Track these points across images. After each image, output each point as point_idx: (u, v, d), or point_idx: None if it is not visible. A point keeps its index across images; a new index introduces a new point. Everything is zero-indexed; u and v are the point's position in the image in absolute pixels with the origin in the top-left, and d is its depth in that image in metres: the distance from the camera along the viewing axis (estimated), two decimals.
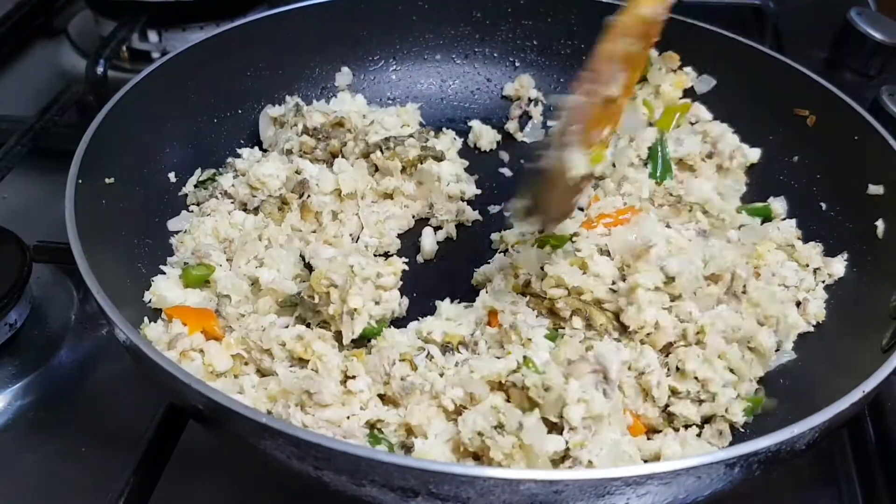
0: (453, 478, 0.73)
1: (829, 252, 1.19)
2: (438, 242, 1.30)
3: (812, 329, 1.12)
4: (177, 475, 0.99)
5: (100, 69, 1.52)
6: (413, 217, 1.33)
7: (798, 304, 1.14)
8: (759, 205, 1.29)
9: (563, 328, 1.08)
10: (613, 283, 1.09)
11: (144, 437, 0.98)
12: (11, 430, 1.09)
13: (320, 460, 0.76)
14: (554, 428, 0.92)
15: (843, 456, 1.09)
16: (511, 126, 1.50)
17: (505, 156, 1.47)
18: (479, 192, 1.37)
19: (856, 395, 0.84)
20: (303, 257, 1.10)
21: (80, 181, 1.03)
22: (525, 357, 0.97)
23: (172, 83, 1.26)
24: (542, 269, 1.12)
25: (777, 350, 1.09)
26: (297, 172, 1.25)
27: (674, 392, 1.01)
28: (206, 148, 1.31)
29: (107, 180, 1.10)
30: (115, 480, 0.94)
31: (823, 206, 1.24)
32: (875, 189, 1.16)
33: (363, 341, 1.05)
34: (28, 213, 1.39)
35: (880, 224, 1.13)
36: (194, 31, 1.69)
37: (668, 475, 0.74)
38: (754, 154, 1.34)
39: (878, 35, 1.63)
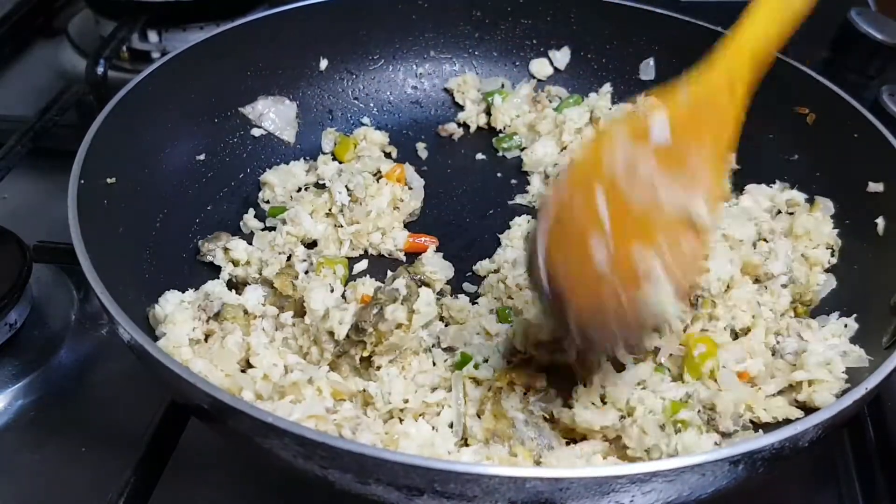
0: (458, 476, 0.73)
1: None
2: None
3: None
4: (177, 475, 0.99)
5: (100, 69, 1.51)
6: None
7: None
8: None
9: None
10: None
11: (144, 437, 0.97)
12: (12, 430, 1.09)
13: (326, 459, 0.76)
14: None
15: (843, 456, 1.09)
16: None
17: None
18: None
19: (858, 392, 0.84)
20: None
21: (83, 181, 1.02)
22: None
23: (173, 83, 1.25)
24: None
25: None
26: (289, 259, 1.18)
27: None
28: (206, 148, 1.31)
29: (108, 180, 1.09)
30: (115, 480, 0.93)
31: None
32: (875, 187, 1.16)
33: None
34: (28, 213, 1.38)
35: (881, 222, 1.14)
36: (194, 31, 1.68)
37: (672, 472, 0.74)
38: None
39: (878, 35, 1.63)
